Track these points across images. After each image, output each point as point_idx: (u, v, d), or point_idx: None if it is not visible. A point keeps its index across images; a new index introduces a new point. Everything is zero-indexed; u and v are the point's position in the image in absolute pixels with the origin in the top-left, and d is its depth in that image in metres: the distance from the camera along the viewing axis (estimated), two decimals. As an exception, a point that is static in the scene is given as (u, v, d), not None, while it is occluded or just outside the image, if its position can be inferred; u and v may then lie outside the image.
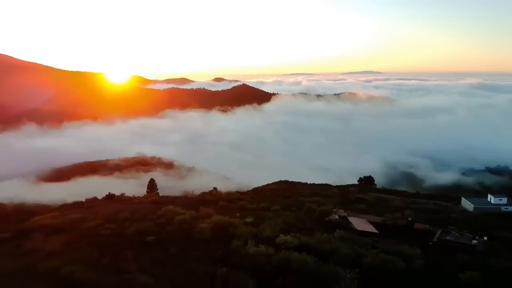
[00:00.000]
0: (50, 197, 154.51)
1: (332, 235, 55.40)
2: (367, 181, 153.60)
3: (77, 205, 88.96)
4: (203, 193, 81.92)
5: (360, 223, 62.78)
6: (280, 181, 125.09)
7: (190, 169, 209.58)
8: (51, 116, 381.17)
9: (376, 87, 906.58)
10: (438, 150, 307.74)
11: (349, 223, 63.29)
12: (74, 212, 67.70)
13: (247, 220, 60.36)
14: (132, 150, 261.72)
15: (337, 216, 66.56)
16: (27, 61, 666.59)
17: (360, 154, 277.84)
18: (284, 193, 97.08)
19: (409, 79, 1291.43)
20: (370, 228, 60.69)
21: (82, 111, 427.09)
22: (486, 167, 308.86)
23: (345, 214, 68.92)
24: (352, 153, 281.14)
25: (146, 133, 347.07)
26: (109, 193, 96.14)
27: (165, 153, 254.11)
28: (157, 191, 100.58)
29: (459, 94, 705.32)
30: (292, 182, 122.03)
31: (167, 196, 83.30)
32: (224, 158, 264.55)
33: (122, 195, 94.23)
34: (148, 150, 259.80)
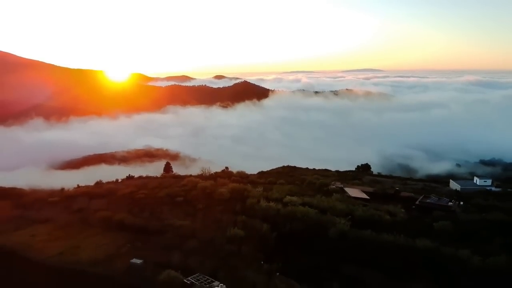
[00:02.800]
0: (64, 183, 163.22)
1: (330, 198, 65.88)
2: (363, 168, 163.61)
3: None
4: (216, 172, 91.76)
5: (354, 191, 72.94)
6: (283, 166, 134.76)
7: (195, 160, 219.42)
8: (56, 112, 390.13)
9: (375, 84, 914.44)
10: (434, 143, 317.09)
11: (345, 191, 73.40)
12: (107, 184, 77.63)
13: (257, 189, 70.34)
14: (137, 143, 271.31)
15: (334, 187, 76.69)
16: (30, 59, 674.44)
17: (357, 146, 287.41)
18: (288, 173, 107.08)
19: (408, 77, 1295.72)
20: (362, 195, 70.84)
21: (86, 107, 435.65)
22: (480, 160, 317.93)
23: (342, 185, 79.01)
24: (350, 146, 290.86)
25: (149, 127, 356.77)
26: (129, 174, 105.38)
27: (169, 146, 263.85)
28: (173, 173, 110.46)
29: (456, 91, 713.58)
30: (294, 167, 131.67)
31: (184, 175, 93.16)
32: (226, 150, 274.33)
33: (140, 176, 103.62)
34: (153, 143, 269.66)
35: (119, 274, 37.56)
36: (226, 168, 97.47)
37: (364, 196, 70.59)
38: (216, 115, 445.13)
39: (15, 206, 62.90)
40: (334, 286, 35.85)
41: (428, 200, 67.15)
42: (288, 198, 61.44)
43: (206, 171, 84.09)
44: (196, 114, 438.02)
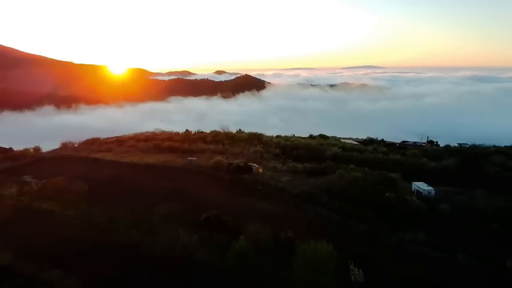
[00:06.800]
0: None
1: (327, 140, 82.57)
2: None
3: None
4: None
5: (347, 141, 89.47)
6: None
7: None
8: (65, 101, 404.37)
9: (372, 79, 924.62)
10: (426, 128, 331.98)
11: (340, 141, 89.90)
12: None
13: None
14: (145, 127, 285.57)
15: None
16: (32, 54, 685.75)
17: (352, 131, 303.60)
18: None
19: (407, 72, 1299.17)
20: (353, 142, 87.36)
21: (93, 96, 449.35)
22: (472, 144, 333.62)
23: (338, 138, 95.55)
24: (346, 130, 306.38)
25: (155, 114, 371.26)
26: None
27: (176, 129, 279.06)
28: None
29: (451, 84, 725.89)
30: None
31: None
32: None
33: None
34: (160, 127, 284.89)
35: (180, 165, 53.86)
36: (240, 129, 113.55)
37: (355, 143, 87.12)
38: (218, 104, 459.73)
39: (78, 145, 79.25)
40: (328, 163, 52.30)
41: (406, 143, 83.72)
42: (293, 138, 78.07)
43: (225, 128, 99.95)
44: (198, 103, 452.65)
